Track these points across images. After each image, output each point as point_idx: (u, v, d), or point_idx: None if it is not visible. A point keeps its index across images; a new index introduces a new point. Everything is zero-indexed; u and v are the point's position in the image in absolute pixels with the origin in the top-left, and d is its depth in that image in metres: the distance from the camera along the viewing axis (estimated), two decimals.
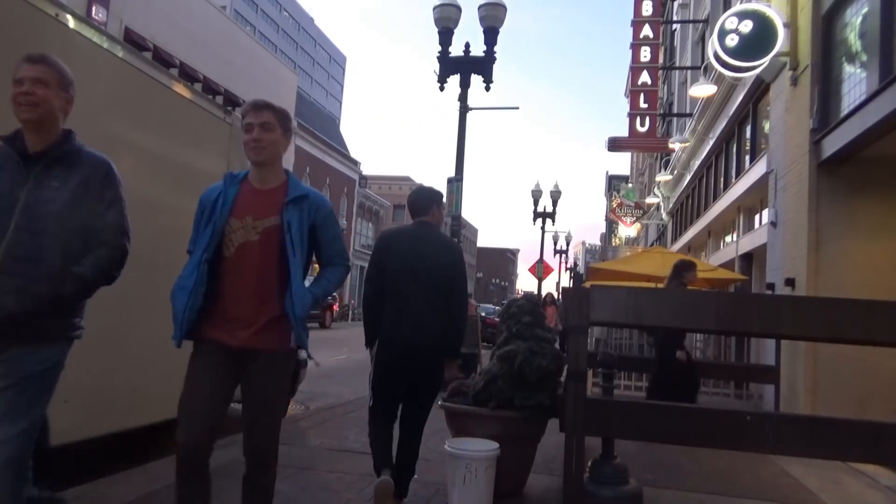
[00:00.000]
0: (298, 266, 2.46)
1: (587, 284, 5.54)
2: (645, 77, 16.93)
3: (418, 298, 3.39)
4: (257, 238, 2.46)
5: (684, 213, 18.42)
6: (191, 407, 2.37)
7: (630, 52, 17.45)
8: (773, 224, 8.32)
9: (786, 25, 7.56)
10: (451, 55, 8.93)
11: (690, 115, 15.68)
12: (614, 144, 17.94)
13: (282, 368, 2.52)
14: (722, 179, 13.05)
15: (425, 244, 3.51)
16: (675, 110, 19.63)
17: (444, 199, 3.87)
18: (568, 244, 35.29)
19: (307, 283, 2.56)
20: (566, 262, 37.03)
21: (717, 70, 9.20)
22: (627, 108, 17.19)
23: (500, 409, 3.86)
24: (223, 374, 2.43)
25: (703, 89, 11.89)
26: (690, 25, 17.72)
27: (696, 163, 15.60)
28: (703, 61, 14.23)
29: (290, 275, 2.44)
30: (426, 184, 4.48)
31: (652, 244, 25.00)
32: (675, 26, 20.36)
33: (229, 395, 2.47)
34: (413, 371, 3.42)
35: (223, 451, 4.44)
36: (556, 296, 18.67)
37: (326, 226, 2.62)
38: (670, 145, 17.07)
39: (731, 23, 7.72)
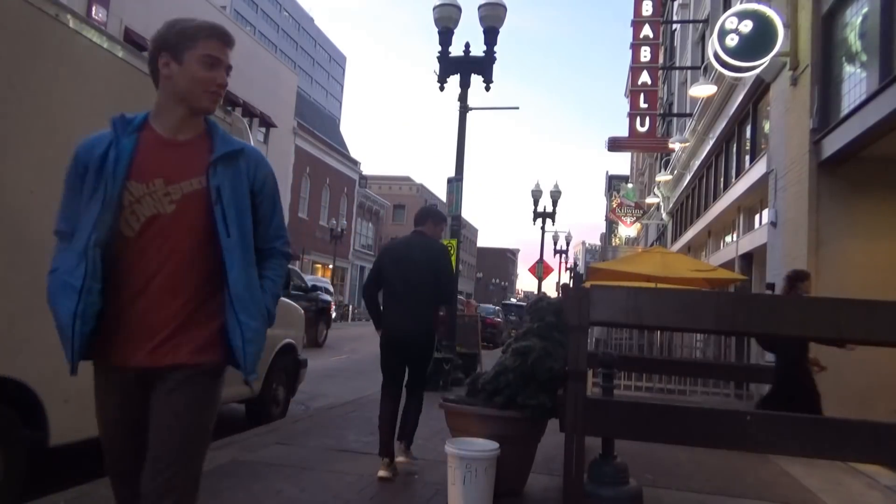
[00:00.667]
0: (238, 251, 1.77)
1: (587, 284, 5.54)
2: (645, 77, 16.94)
3: (408, 294, 4.23)
4: (173, 209, 1.75)
5: (684, 213, 18.42)
6: (112, 453, 1.83)
7: (630, 52, 17.47)
8: (773, 224, 8.32)
9: (786, 25, 7.56)
10: (451, 55, 8.93)
11: (690, 115, 15.68)
12: (614, 144, 17.96)
13: (205, 389, 1.77)
14: (722, 179, 13.05)
15: (414, 249, 4.36)
16: (675, 110, 19.64)
17: (442, 218, 4.78)
18: (568, 244, 35.32)
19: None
20: (566, 262, 37.06)
21: (717, 70, 9.20)
22: (627, 108, 17.21)
23: (501, 409, 3.86)
24: (139, 400, 1.77)
25: (703, 89, 11.90)
26: (690, 25, 17.73)
27: (696, 163, 15.61)
28: (703, 61, 14.24)
29: (225, 266, 1.75)
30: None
31: (652, 244, 25.00)
32: (675, 26, 20.37)
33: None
34: (407, 351, 4.25)
35: (223, 451, 4.44)
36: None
37: (266, 193, 1.90)
38: (670, 145, 17.08)
39: (731, 23, 7.72)
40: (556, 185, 22.41)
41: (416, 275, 4.21)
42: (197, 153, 1.82)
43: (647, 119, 16.84)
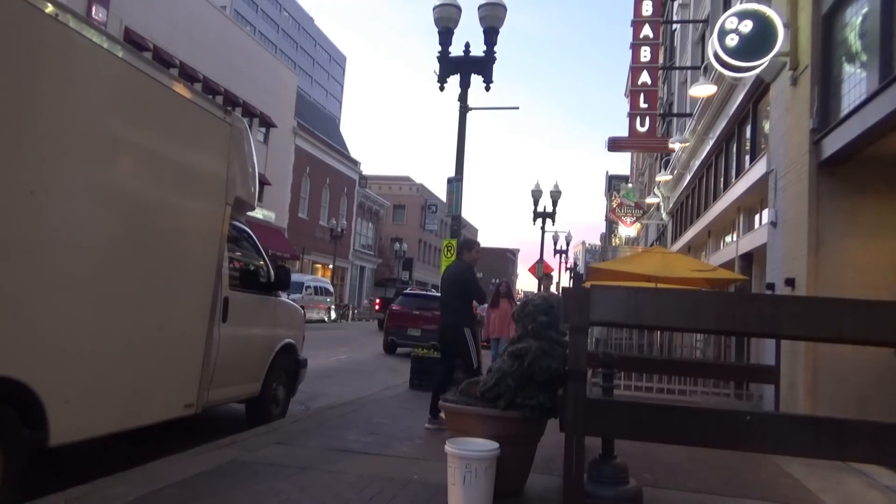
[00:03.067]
0: None
1: (587, 284, 5.54)
2: (645, 77, 16.93)
3: (442, 301, 6.51)
4: None
5: (684, 213, 18.42)
6: None
7: (630, 52, 17.47)
8: (773, 224, 8.32)
9: (786, 25, 7.55)
10: (451, 55, 8.93)
11: (690, 115, 15.68)
12: (614, 144, 17.95)
13: None
14: (722, 179, 13.05)
15: (451, 271, 6.48)
16: (675, 110, 19.64)
17: (474, 247, 6.60)
18: (568, 244, 35.31)
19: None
20: (566, 262, 37.04)
21: (717, 70, 9.19)
22: (627, 108, 17.20)
23: (501, 409, 3.86)
24: None
25: (703, 89, 11.88)
26: (690, 25, 17.72)
27: (696, 163, 15.61)
28: (703, 61, 14.23)
29: None
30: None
31: (652, 244, 24.99)
32: (675, 26, 20.37)
33: None
34: (444, 339, 6.34)
35: (223, 451, 4.45)
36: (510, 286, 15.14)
37: None
38: (670, 145, 17.07)
39: (731, 23, 7.71)
40: (555, 185, 22.39)
41: (448, 289, 6.34)
42: None
43: (647, 119, 16.83)
